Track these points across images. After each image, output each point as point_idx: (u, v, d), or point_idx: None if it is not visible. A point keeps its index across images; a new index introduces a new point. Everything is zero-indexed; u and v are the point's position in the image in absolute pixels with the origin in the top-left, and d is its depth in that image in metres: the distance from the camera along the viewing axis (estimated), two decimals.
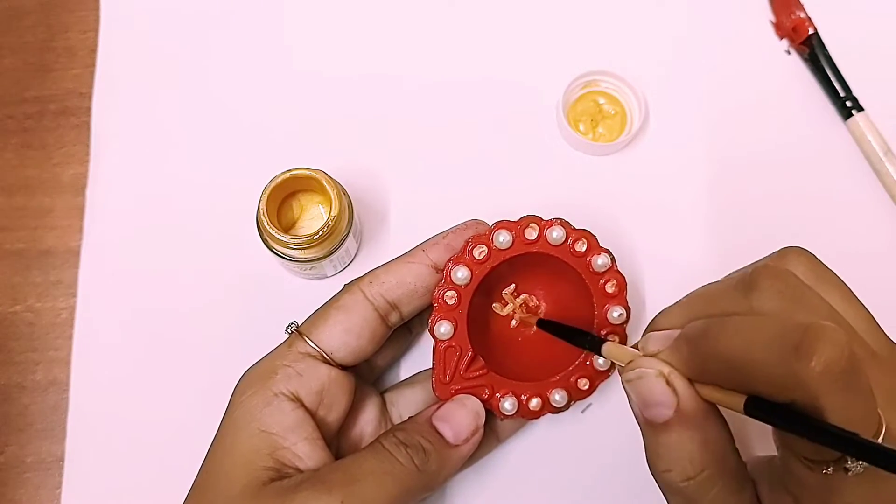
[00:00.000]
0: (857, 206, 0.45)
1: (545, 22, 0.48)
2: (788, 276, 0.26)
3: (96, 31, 0.48)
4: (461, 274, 0.34)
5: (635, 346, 0.30)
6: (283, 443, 0.32)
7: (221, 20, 0.48)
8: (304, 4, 0.49)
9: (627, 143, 0.45)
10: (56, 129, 0.46)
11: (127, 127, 0.46)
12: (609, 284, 0.35)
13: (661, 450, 0.27)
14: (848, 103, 0.46)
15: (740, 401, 0.23)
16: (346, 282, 0.36)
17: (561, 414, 0.36)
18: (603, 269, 0.35)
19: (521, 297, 0.38)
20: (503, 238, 0.35)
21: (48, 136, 0.46)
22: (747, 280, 0.26)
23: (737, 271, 0.29)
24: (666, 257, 0.44)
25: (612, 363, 0.35)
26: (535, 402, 0.35)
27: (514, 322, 0.38)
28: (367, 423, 0.37)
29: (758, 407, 0.23)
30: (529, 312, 0.38)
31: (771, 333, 0.23)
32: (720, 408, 0.27)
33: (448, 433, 0.34)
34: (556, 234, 0.35)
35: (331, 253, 0.39)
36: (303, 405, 0.33)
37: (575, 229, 0.35)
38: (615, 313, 0.35)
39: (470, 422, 0.34)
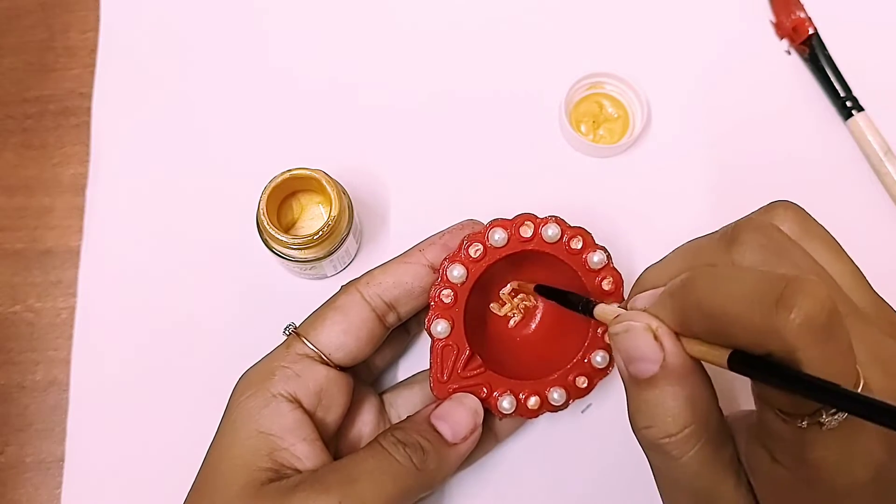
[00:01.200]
0: (858, 206, 0.45)
1: (549, 23, 0.48)
2: (772, 230, 0.26)
3: (96, 30, 0.48)
4: (457, 272, 0.34)
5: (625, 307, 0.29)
6: (281, 444, 0.32)
7: (222, 21, 0.48)
8: (306, 7, 0.49)
9: (629, 146, 0.45)
10: (56, 129, 0.46)
11: (127, 127, 0.46)
12: (605, 281, 0.35)
13: (643, 406, 0.26)
14: (848, 103, 0.46)
15: (724, 354, 0.23)
16: (346, 282, 0.36)
17: (560, 413, 0.36)
18: (599, 267, 0.35)
19: (518, 296, 0.38)
20: (498, 236, 0.35)
21: (48, 136, 0.46)
22: (730, 234, 0.26)
23: (722, 228, 0.29)
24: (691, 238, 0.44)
25: (611, 361, 0.35)
26: (533, 401, 0.35)
27: (511, 322, 0.38)
28: (365, 423, 0.37)
29: (741, 361, 0.22)
30: (526, 312, 0.38)
31: (751, 285, 0.22)
32: (705, 365, 0.27)
33: (446, 432, 0.34)
34: (552, 231, 0.35)
35: (331, 253, 0.39)
36: (301, 406, 0.33)
37: (570, 227, 0.35)
38: None
39: (468, 420, 0.34)
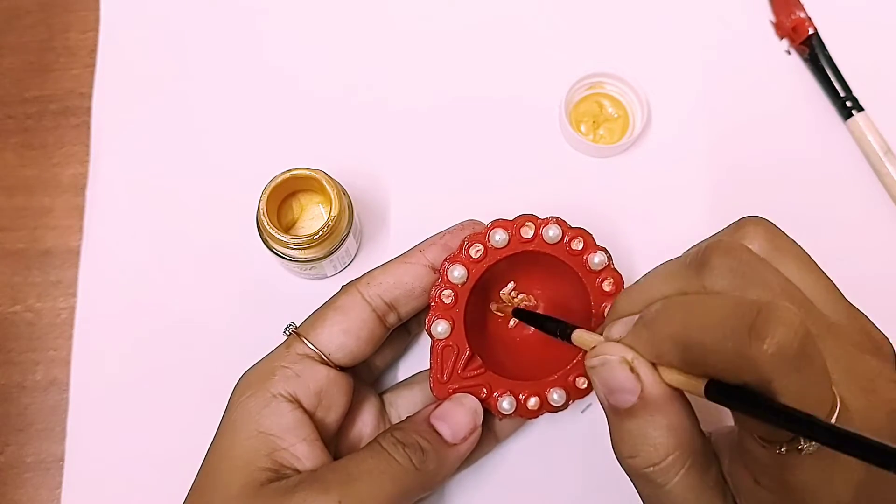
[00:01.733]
0: (858, 206, 0.45)
1: (549, 23, 0.48)
2: (741, 252, 0.26)
3: (96, 30, 0.48)
4: (458, 273, 0.34)
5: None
6: (281, 444, 0.32)
7: (222, 21, 0.48)
8: (306, 8, 0.49)
9: (629, 146, 0.45)
10: (56, 129, 0.46)
11: (127, 127, 0.46)
12: (606, 282, 0.35)
13: (625, 436, 0.26)
14: (848, 103, 0.46)
15: (701, 384, 0.23)
16: (346, 282, 0.36)
17: (559, 414, 0.36)
18: (599, 268, 0.35)
19: (519, 296, 0.38)
20: (499, 237, 0.35)
21: (48, 136, 0.46)
22: (699, 257, 0.26)
23: (694, 246, 0.28)
24: (664, 259, 0.43)
25: None
26: (533, 402, 0.35)
27: (511, 323, 0.38)
28: (365, 424, 0.37)
29: (718, 391, 0.23)
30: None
31: (722, 315, 0.22)
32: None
33: (446, 432, 0.33)
34: (553, 232, 0.35)
35: (331, 253, 0.39)
36: (301, 406, 0.33)
37: (571, 228, 0.35)
38: None
39: (468, 420, 0.34)
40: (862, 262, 0.34)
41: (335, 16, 0.48)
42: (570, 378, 0.36)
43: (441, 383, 0.35)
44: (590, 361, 0.27)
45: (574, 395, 0.36)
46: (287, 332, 0.36)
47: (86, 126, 0.46)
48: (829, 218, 0.45)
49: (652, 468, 0.26)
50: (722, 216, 0.44)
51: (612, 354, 0.26)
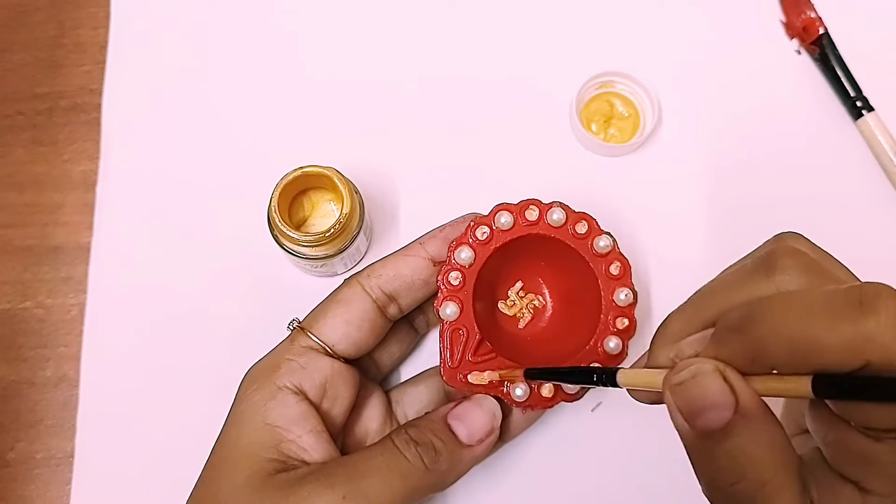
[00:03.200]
0: (868, 206, 0.45)
1: (560, 22, 0.48)
2: (804, 253, 0.25)
3: (107, 27, 0.48)
4: (465, 255, 0.35)
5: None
6: (287, 435, 0.32)
7: (233, 17, 0.48)
8: (318, 4, 0.49)
9: (640, 145, 0.45)
10: (66, 126, 0.46)
11: (137, 123, 0.46)
12: (613, 266, 0.35)
13: (723, 461, 0.23)
14: (858, 103, 0.46)
15: (803, 383, 0.21)
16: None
17: (569, 412, 0.36)
18: (605, 251, 0.35)
19: (527, 296, 0.38)
20: (504, 219, 0.35)
21: (58, 133, 0.46)
22: (766, 262, 0.25)
23: (736, 263, 0.27)
24: (675, 260, 0.44)
25: (624, 348, 0.35)
26: (547, 389, 0.34)
27: (521, 324, 0.38)
28: (371, 419, 0.37)
29: (828, 383, 0.21)
30: (535, 312, 0.38)
31: (824, 301, 0.21)
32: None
33: (462, 432, 0.33)
34: (556, 216, 0.35)
35: (342, 250, 0.39)
36: (307, 398, 0.33)
37: (574, 212, 0.35)
38: (622, 295, 0.35)
39: (485, 422, 0.34)
40: (872, 262, 0.34)
41: (349, 12, 0.48)
42: (583, 365, 0.35)
43: (451, 368, 0.35)
44: (677, 378, 0.24)
45: None
46: (291, 327, 0.36)
47: (96, 122, 0.46)
48: (840, 218, 0.45)
49: (763, 488, 0.23)
50: (732, 216, 0.45)
51: (704, 365, 0.23)
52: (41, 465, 0.41)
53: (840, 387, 0.21)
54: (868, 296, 0.20)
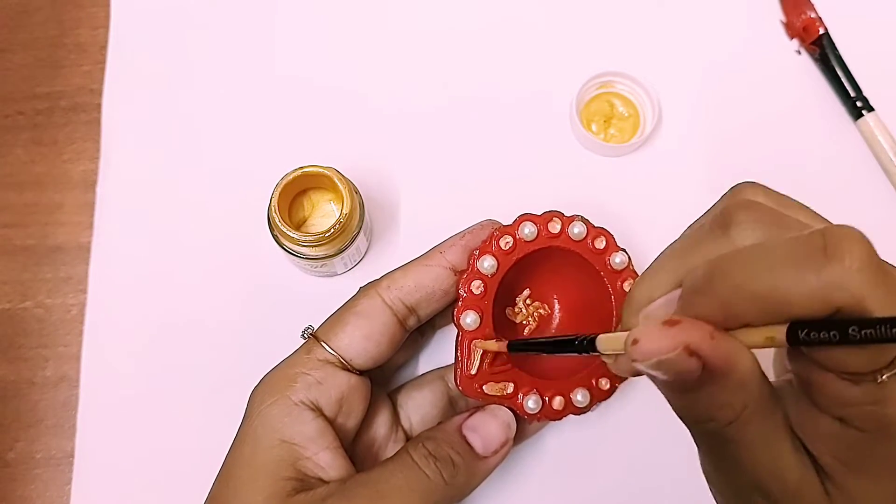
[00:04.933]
0: (868, 206, 0.45)
1: (560, 23, 0.48)
2: (758, 204, 0.25)
3: (107, 27, 0.48)
4: (488, 263, 0.34)
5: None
6: (304, 453, 0.32)
7: (233, 18, 0.48)
8: (318, 6, 0.49)
9: (640, 145, 0.45)
10: (66, 126, 0.46)
11: (137, 123, 0.46)
12: (627, 283, 0.35)
13: (694, 403, 0.24)
14: (858, 103, 0.46)
15: (777, 332, 0.21)
16: (357, 281, 0.36)
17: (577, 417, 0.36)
18: (621, 267, 0.35)
19: (534, 304, 0.38)
20: (528, 230, 0.35)
21: (58, 133, 0.46)
22: (721, 219, 0.25)
23: (695, 222, 0.27)
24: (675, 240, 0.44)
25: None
26: (557, 402, 0.35)
27: (526, 331, 0.38)
28: (380, 426, 0.37)
29: (801, 330, 0.21)
30: (541, 320, 0.38)
31: (786, 251, 0.21)
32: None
33: (478, 444, 0.33)
34: (578, 229, 0.35)
35: (342, 251, 0.39)
36: (322, 414, 0.33)
37: (594, 227, 0.36)
38: None
39: (500, 433, 0.34)
40: None
41: (348, 13, 0.48)
42: (593, 379, 0.35)
43: (469, 378, 0.34)
44: (633, 333, 0.23)
45: (597, 396, 0.35)
46: (305, 336, 0.35)
47: (96, 122, 0.46)
48: (839, 218, 0.44)
49: (730, 426, 0.24)
50: None
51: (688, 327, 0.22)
52: (41, 465, 0.41)
53: (813, 334, 0.20)
54: (832, 241, 0.20)
